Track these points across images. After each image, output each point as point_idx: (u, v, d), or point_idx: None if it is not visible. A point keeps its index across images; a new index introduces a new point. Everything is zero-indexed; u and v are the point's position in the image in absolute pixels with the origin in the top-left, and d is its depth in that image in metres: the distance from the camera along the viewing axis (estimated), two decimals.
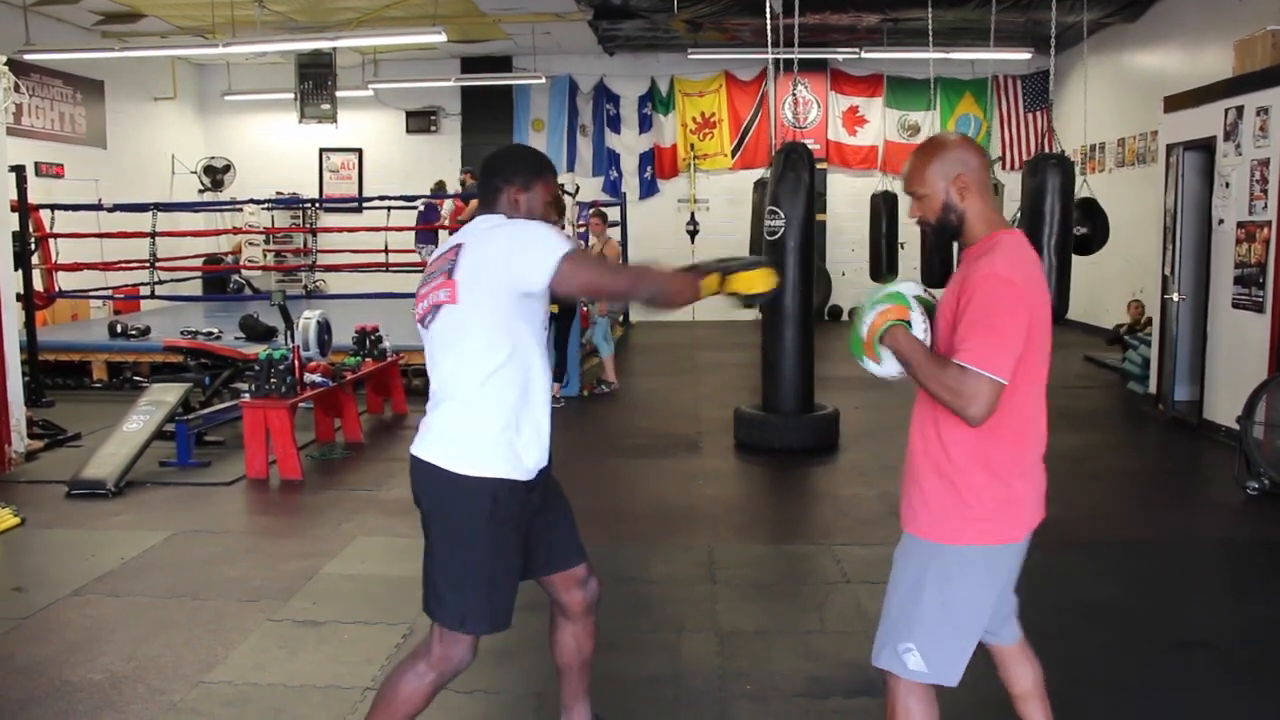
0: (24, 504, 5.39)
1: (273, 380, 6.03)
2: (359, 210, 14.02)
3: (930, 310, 2.30)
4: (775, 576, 4.54)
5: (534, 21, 11.91)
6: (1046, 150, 13.34)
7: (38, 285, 9.21)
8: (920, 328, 2.26)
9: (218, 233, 13.08)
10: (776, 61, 10.84)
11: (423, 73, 13.59)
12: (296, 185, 14.64)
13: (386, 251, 11.96)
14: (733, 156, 14.59)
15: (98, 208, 10.90)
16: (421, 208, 12.53)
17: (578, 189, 12.40)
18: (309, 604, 4.09)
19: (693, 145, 14.63)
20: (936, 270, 8.86)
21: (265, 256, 13.41)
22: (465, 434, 2.36)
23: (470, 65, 14.30)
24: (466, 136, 14.75)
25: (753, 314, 12.74)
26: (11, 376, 6.33)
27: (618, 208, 13.51)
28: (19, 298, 7.37)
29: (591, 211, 9.66)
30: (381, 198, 12.72)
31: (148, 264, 11.20)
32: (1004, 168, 13.27)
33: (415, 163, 14.57)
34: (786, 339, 6.71)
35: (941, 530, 2.23)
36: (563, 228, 9.35)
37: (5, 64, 6.51)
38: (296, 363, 6.11)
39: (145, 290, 11.44)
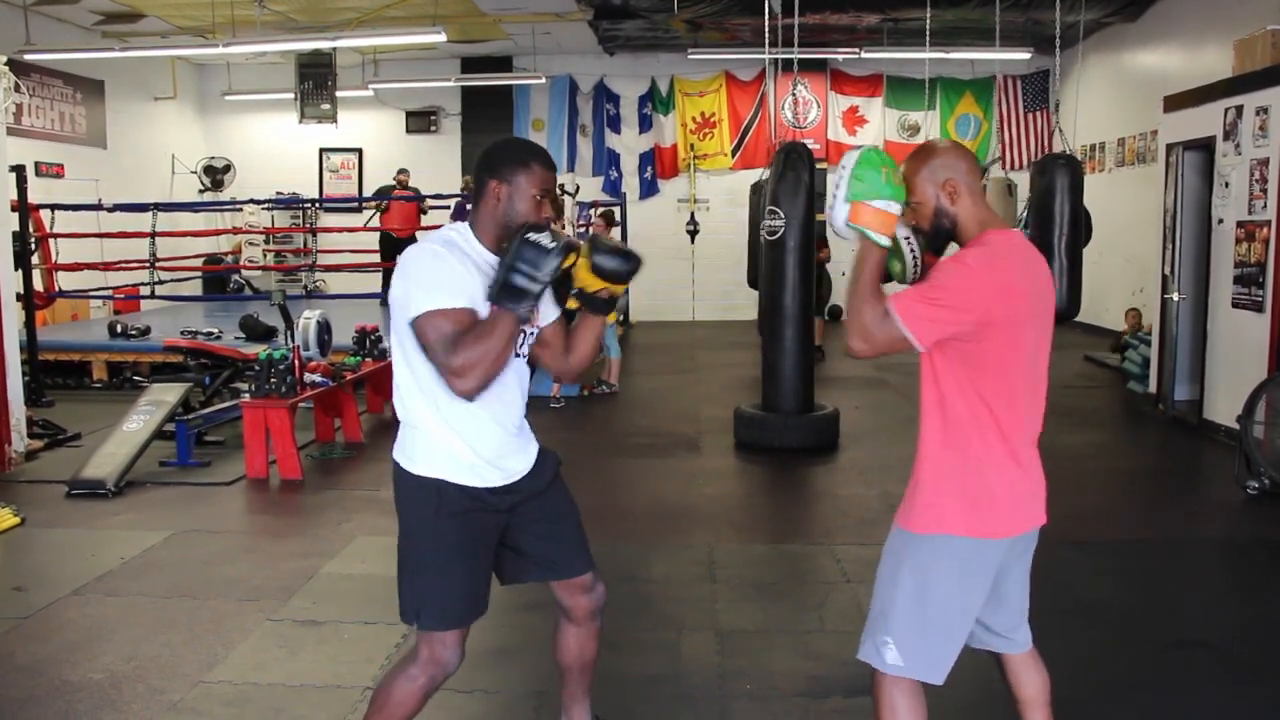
0: (24, 504, 5.39)
1: (273, 380, 6.03)
2: (359, 210, 14.02)
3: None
4: (775, 576, 4.54)
5: (534, 21, 11.90)
6: (1047, 150, 13.34)
7: (38, 285, 9.21)
8: (908, 248, 2.31)
9: (218, 233, 13.10)
10: (776, 61, 10.86)
11: (423, 73, 13.58)
12: (296, 185, 14.63)
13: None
14: (733, 156, 14.57)
15: (98, 208, 10.90)
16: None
17: (578, 189, 12.42)
18: (309, 604, 4.09)
19: (693, 145, 14.61)
20: None
21: (265, 256, 13.42)
22: (410, 438, 2.42)
23: (470, 65, 14.30)
24: (466, 136, 14.74)
25: (743, 314, 12.70)
26: (11, 376, 6.33)
27: (618, 208, 13.50)
28: (19, 297, 7.36)
29: (599, 213, 9.63)
30: (381, 197, 12.73)
31: (148, 264, 11.20)
32: (1004, 168, 13.26)
33: (415, 163, 14.54)
34: (786, 339, 6.71)
35: (920, 520, 2.25)
36: (562, 227, 9.35)
37: (5, 64, 6.51)
38: (296, 363, 6.11)
39: (145, 290, 11.44)
